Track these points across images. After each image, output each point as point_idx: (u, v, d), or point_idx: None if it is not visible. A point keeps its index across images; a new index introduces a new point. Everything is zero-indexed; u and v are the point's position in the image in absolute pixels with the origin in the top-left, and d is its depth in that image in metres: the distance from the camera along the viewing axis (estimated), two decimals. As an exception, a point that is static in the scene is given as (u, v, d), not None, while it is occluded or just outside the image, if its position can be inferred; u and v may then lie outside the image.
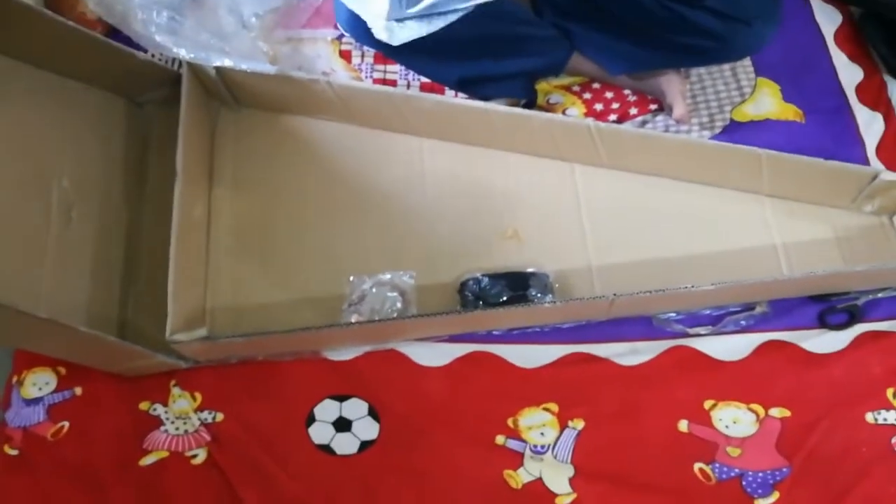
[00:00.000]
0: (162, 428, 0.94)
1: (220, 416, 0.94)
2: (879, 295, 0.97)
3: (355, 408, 0.94)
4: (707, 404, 0.92)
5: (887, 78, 1.12)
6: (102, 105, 1.05)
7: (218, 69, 1.03)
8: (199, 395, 0.96)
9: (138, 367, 0.95)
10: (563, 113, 1.13)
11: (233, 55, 1.05)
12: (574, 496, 0.88)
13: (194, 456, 0.92)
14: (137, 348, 0.89)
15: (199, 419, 0.94)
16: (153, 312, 0.96)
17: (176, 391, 0.96)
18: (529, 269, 0.99)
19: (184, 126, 0.99)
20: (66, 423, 0.93)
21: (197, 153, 1.05)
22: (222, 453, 0.91)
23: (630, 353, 0.96)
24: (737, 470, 0.88)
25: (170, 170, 0.97)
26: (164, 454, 0.92)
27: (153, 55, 1.06)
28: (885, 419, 0.90)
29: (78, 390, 0.95)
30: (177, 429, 0.94)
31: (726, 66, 1.14)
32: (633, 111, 1.13)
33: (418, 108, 1.04)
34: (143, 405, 0.95)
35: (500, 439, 0.92)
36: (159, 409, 0.95)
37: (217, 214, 1.06)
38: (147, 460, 0.91)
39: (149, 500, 0.89)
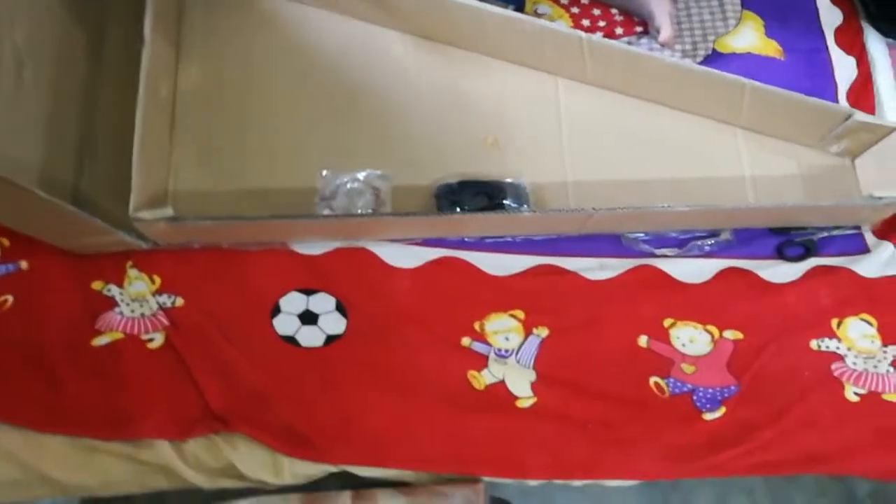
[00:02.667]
0: (116, 309, 0.90)
1: (179, 301, 0.91)
2: (834, 232, 1.01)
3: (323, 302, 0.93)
4: (667, 322, 0.96)
5: (864, 24, 1.15)
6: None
7: (193, -65, 0.95)
8: (157, 279, 0.92)
9: (93, 244, 0.90)
10: (551, 24, 1.10)
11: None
12: (534, 399, 0.90)
13: (151, 340, 0.89)
14: (98, 222, 0.84)
15: (158, 303, 0.91)
16: (110, 187, 0.91)
17: (133, 272, 0.92)
18: (507, 179, 0.98)
19: (152, -5, 0.91)
20: (10, 297, 0.88)
21: (165, 27, 0.98)
22: (181, 338, 0.89)
23: (598, 269, 0.97)
24: (689, 385, 0.93)
25: (131, 36, 0.90)
26: (119, 335, 0.88)
27: None
28: (827, 346, 0.95)
29: (23, 264, 0.90)
30: (132, 311, 0.90)
31: (714, -4, 1.14)
32: (619, 31, 1.12)
33: (406, 1, 1.00)
34: (96, 285, 0.91)
35: (465, 341, 0.92)
36: (114, 290, 0.91)
37: (185, 94, 0.99)
38: (100, 340, 0.88)
39: (102, 382, 0.86)
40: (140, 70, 0.89)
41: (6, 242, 0.91)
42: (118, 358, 0.87)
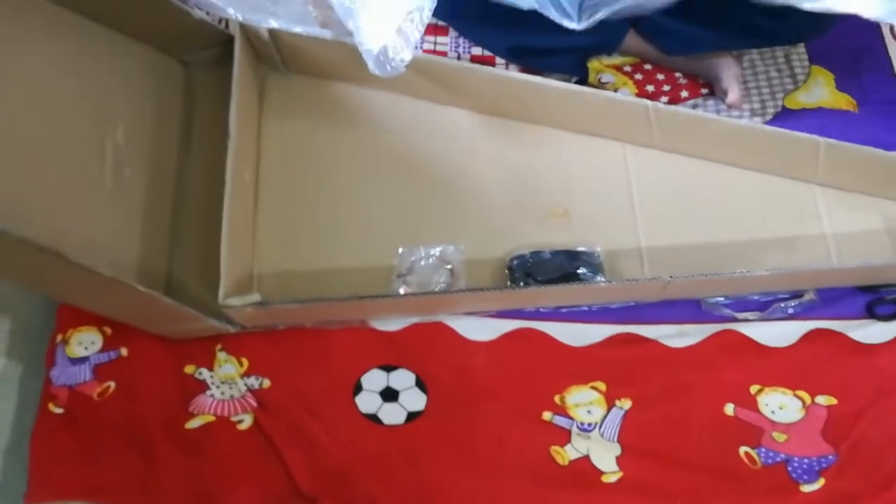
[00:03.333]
0: (208, 392, 0.93)
1: (266, 383, 0.94)
2: (928, 287, 0.98)
3: (403, 378, 0.94)
4: (753, 389, 0.93)
5: (942, 71, 1.12)
6: (153, 62, 1.04)
7: (271, 31, 1.02)
8: (245, 361, 0.95)
9: (186, 330, 0.94)
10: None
11: (283, 17, 1.04)
12: (620, 474, 0.88)
13: (240, 421, 0.92)
14: (191, 311, 0.88)
15: (246, 385, 0.94)
16: (199, 274, 0.96)
17: (222, 356, 0.95)
18: (579, 248, 0.99)
19: (235, 88, 0.97)
20: (112, 384, 0.93)
21: (247, 116, 1.04)
22: (269, 419, 0.91)
23: (678, 336, 0.96)
24: (783, 455, 0.89)
25: (216, 131, 0.96)
26: (211, 418, 0.92)
27: (206, 14, 1.05)
28: (930, 410, 0.91)
29: (124, 351, 0.95)
30: (223, 393, 0.93)
31: (780, 53, 1.14)
32: (685, 94, 1.12)
33: (470, 79, 1.03)
34: (189, 369, 0.95)
35: (547, 415, 0.92)
36: (205, 374, 0.95)
37: (265, 179, 1.04)
38: (193, 423, 0.91)
39: (196, 461, 0.89)
40: (226, 160, 0.95)
41: (108, 331, 0.96)
42: (210, 439, 0.90)
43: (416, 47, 1.13)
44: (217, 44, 1.07)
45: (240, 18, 1.00)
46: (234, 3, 1.02)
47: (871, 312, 0.97)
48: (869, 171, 0.98)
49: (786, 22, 0.98)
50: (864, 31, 1.15)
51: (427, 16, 0.86)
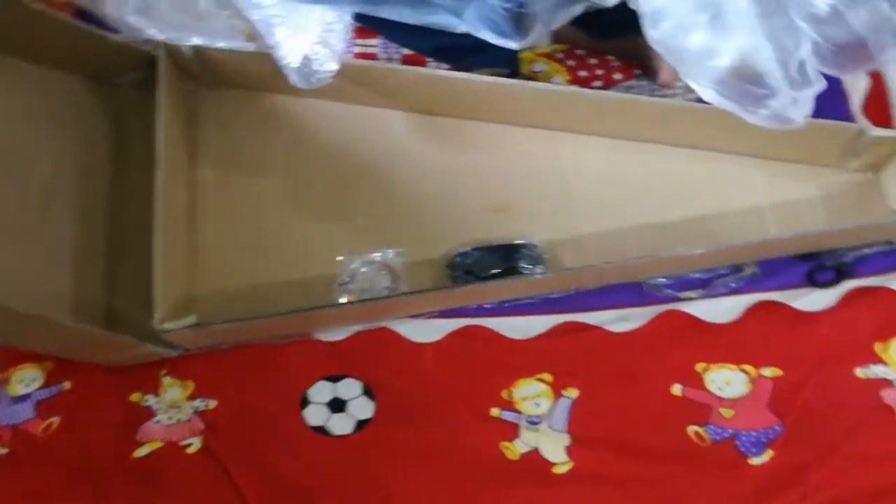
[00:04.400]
0: (154, 419, 0.93)
1: (213, 403, 0.94)
2: (866, 251, 0.97)
3: (349, 388, 0.94)
4: (699, 367, 0.93)
5: (870, 32, 1.11)
6: (76, 90, 1.02)
7: (195, 48, 1.01)
8: (190, 384, 0.95)
9: (128, 358, 0.94)
10: (548, 81, 1.11)
11: (207, 33, 1.03)
12: (571, 465, 0.89)
13: (189, 445, 0.91)
14: (127, 339, 0.88)
15: (192, 407, 0.93)
16: (141, 299, 0.94)
17: (167, 380, 0.95)
18: (518, 241, 0.98)
19: (162, 108, 0.96)
20: (56, 419, 0.92)
21: (177, 135, 1.03)
22: (217, 440, 0.91)
23: (621, 320, 0.96)
24: (730, 431, 0.89)
25: (149, 150, 0.95)
26: (158, 444, 0.91)
27: (126, 37, 1.04)
28: (873, 373, 0.91)
29: (66, 385, 0.94)
30: (170, 418, 0.93)
31: (708, 27, 1.13)
32: (618, 76, 1.12)
33: (400, 81, 1.02)
34: (134, 397, 0.94)
35: (495, 411, 0.92)
36: (151, 400, 0.94)
37: (202, 198, 1.04)
38: (141, 452, 0.91)
39: (146, 491, 0.89)
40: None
41: (50, 366, 0.95)
42: (159, 466, 0.90)
43: (344, 54, 1.13)
44: (144, 65, 1.05)
45: (161, 37, 1.00)
46: (156, 23, 1.01)
47: (811, 280, 0.97)
48: (800, 138, 0.97)
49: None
50: (789, -2, 1.14)
51: (348, 26, 0.85)
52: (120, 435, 0.91)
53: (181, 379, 0.95)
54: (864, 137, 0.94)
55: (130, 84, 1.08)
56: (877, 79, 1.08)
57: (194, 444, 0.91)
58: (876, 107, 1.06)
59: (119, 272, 0.99)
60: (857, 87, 1.08)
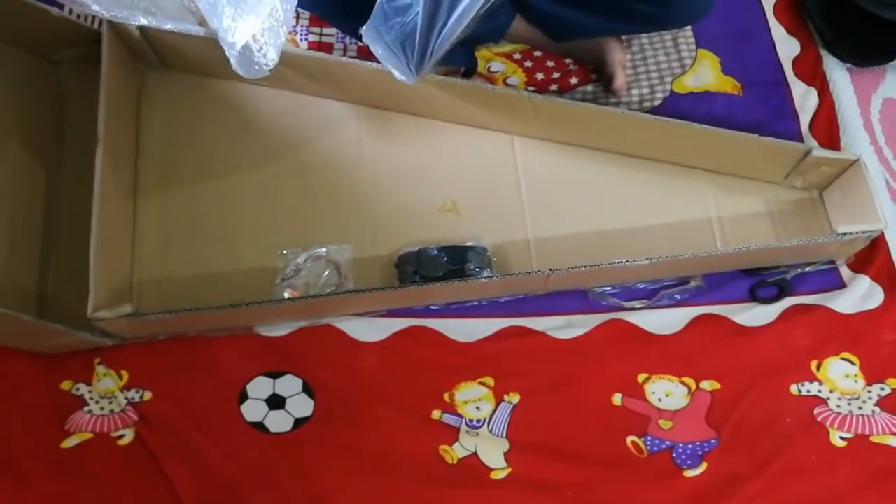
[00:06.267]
0: (86, 408, 0.90)
1: (147, 395, 0.91)
2: (807, 269, 0.99)
3: (289, 384, 0.92)
4: (641, 377, 0.94)
5: (823, 51, 1.13)
6: (13, 63, 0.98)
7: (142, 29, 0.97)
8: (125, 373, 0.92)
9: (60, 345, 0.91)
10: (504, 82, 1.11)
11: (157, 14, 0.99)
12: (509, 470, 0.88)
13: (121, 436, 0.89)
14: (57, 327, 0.85)
15: (126, 398, 0.91)
16: (76, 285, 0.91)
17: (101, 369, 0.92)
18: (468, 243, 0.97)
19: (105, 88, 0.93)
20: (-19, 405, 0.89)
21: (120, 117, 0.99)
22: (150, 432, 0.89)
23: (566, 327, 0.96)
24: (668, 442, 0.90)
25: (91, 132, 0.92)
26: (88, 436, 0.89)
27: (69, 11, 0.99)
28: (808, 390, 0.93)
29: (-7, 369, 0.91)
30: (101, 409, 0.90)
31: (667, 37, 1.13)
32: (574, 80, 1.11)
33: (354, 74, 1.00)
34: (65, 385, 0.91)
35: (436, 414, 0.91)
36: (82, 389, 0.91)
37: (143, 182, 1.00)
38: (69, 442, 0.88)
39: (72, 484, 0.86)
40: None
41: (-25, 350, 0.92)
42: (88, 458, 0.87)
43: (296, 42, 1.11)
44: (88, 41, 1.01)
45: (105, 15, 0.95)
46: (102, 0, 0.97)
47: (753, 296, 0.98)
48: (749, 155, 0.99)
49: (664, 7, 0.98)
50: (748, 14, 1.16)
51: (291, 16, 0.83)
52: (47, 424, 0.88)
53: (115, 368, 0.92)
54: (809, 157, 0.95)
55: (73, 61, 1.04)
56: (825, 97, 1.10)
57: (126, 436, 0.89)
58: (824, 127, 1.08)
59: (54, 257, 0.96)
60: (805, 106, 1.09)
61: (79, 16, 1.02)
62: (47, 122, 1.01)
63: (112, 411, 0.90)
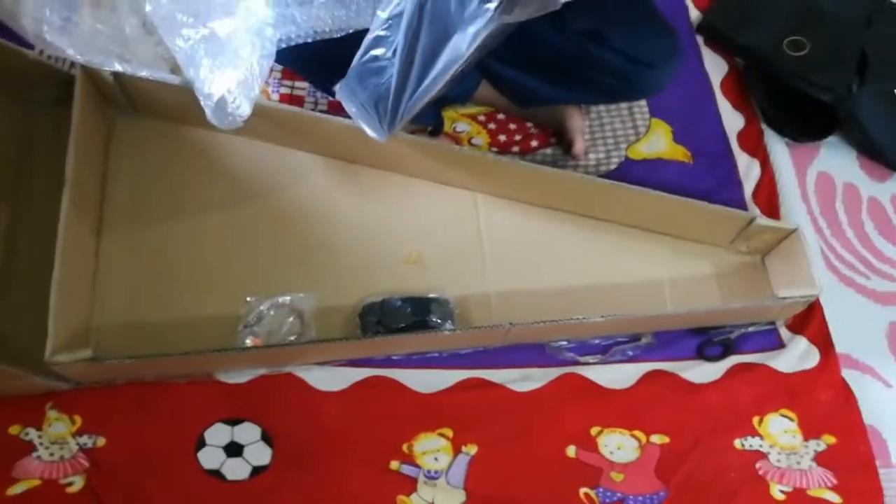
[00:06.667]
0: (34, 454, 0.88)
1: (101, 441, 0.90)
2: (750, 329, 1.05)
3: (248, 432, 0.92)
4: (594, 431, 0.97)
5: (764, 126, 1.22)
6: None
7: (115, 74, 0.99)
8: (78, 418, 0.90)
9: (11, 388, 0.89)
10: (469, 142, 1.15)
11: (132, 61, 1.01)
12: (466, 521, 0.90)
13: (70, 483, 0.87)
14: (11, 369, 0.83)
15: (78, 444, 0.89)
16: (32, 326, 0.90)
17: (52, 414, 0.90)
18: (431, 295, 1.00)
19: (75, 131, 0.94)
20: (-78, 450, 0.86)
21: (89, 160, 1.00)
22: (102, 480, 0.87)
23: (523, 379, 0.99)
24: (619, 494, 0.93)
25: (59, 173, 0.92)
26: (36, 482, 0.86)
27: (42, 53, 1.00)
28: (750, 445, 0.97)
29: (-64, 412, 0.88)
30: (51, 455, 0.88)
31: (624, 106, 1.20)
32: (535, 143, 1.17)
33: (326, 129, 1.03)
34: (14, 429, 0.89)
35: (394, 464, 0.92)
36: (32, 434, 0.89)
37: (109, 227, 1.01)
38: (16, 489, 0.86)
39: (17, 531, 0.84)
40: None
41: (-81, 391, 0.89)
42: (34, 506, 0.85)
43: (268, 94, 1.13)
44: (61, 84, 1.02)
45: (80, 60, 0.97)
46: (80, 46, 0.98)
47: (700, 353, 1.03)
48: (697, 220, 1.05)
49: (624, 81, 1.04)
50: (698, 90, 1.24)
51: (266, 70, 0.86)
52: (-7, 470, 0.86)
53: (68, 413, 0.90)
54: (753, 225, 1.01)
55: (45, 102, 1.05)
56: (766, 169, 1.18)
57: (76, 483, 0.87)
58: (765, 196, 1.15)
59: (11, 297, 0.94)
60: (749, 176, 1.17)
61: (53, 59, 1.03)
62: (14, 160, 1.01)
63: (62, 457, 0.88)
